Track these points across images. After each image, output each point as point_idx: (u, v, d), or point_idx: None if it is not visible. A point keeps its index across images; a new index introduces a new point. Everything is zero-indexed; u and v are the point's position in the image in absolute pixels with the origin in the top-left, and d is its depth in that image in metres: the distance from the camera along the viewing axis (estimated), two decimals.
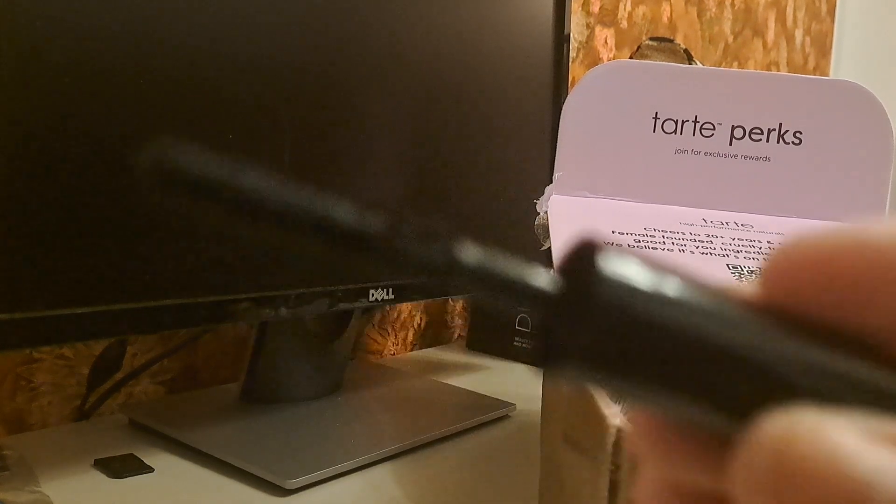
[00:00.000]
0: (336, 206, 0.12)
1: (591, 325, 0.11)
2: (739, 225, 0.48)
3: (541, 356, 0.12)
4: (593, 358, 0.11)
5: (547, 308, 0.12)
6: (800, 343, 0.11)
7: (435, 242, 0.12)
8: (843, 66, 2.11)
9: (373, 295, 0.55)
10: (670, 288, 0.12)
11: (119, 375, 0.59)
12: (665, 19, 1.29)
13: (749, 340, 0.11)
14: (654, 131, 0.49)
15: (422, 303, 0.87)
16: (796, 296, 0.12)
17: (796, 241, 0.12)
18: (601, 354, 0.11)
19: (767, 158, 0.48)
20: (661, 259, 0.12)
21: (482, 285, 0.12)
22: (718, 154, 0.49)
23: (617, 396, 0.12)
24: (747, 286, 0.12)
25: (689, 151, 0.49)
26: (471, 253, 0.12)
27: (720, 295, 0.12)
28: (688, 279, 0.12)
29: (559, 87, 0.72)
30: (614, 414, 0.23)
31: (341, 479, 0.47)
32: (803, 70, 1.93)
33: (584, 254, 0.12)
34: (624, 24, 1.18)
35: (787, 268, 0.12)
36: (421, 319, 0.87)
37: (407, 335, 0.85)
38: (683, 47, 0.87)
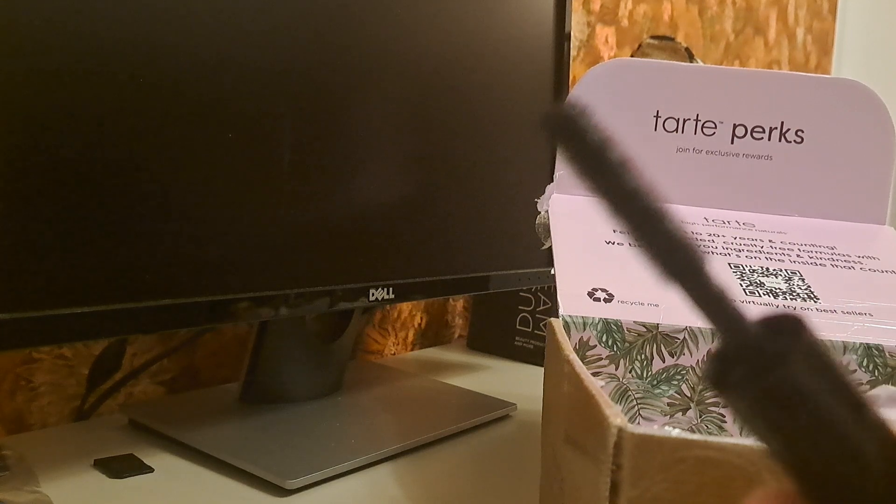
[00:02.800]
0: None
1: (769, 383, 0.13)
2: (741, 224, 0.47)
3: (716, 377, 0.14)
4: (759, 404, 0.14)
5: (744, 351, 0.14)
6: None
7: None
8: (845, 64, 2.11)
9: (373, 294, 0.55)
10: (838, 388, 0.14)
11: (119, 375, 0.59)
12: (666, 18, 1.28)
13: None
14: (655, 130, 0.48)
15: (422, 302, 0.87)
16: None
17: None
18: (766, 405, 0.14)
19: (769, 157, 0.48)
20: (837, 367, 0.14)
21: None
22: (720, 153, 0.48)
23: (766, 446, 0.15)
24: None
25: (691, 150, 0.48)
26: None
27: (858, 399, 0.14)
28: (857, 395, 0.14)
29: (560, 86, 0.72)
30: (615, 414, 0.23)
31: (341, 479, 0.47)
32: (805, 68, 1.93)
33: (793, 328, 0.14)
34: (625, 22, 1.17)
35: None
36: (421, 319, 0.87)
37: (407, 335, 0.85)
38: (684, 46, 0.87)
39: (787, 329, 0.14)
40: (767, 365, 0.13)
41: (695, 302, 0.14)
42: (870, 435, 0.14)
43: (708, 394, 0.40)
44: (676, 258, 0.14)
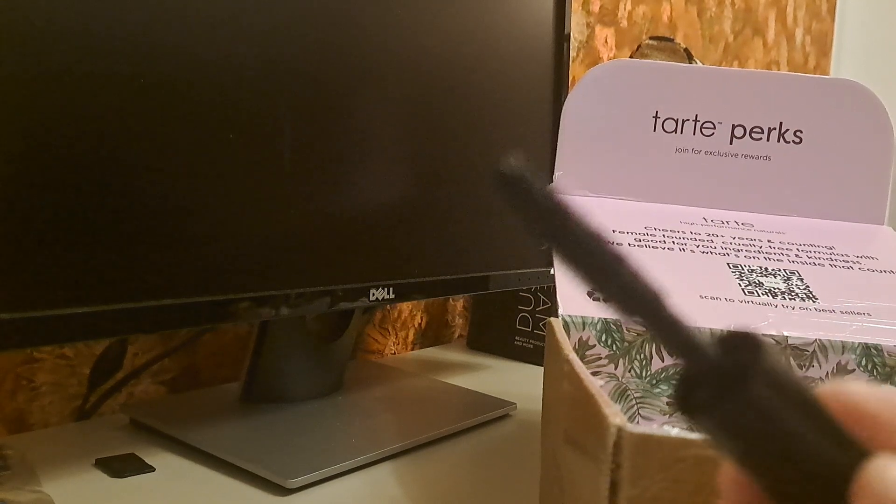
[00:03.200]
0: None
1: (735, 403, 0.14)
2: (740, 224, 0.48)
3: (680, 397, 0.15)
4: (725, 425, 0.14)
5: (702, 368, 0.15)
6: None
7: None
8: (844, 65, 2.11)
9: (373, 294, 0.55)
10: (800, 402, 0.15)
11: (120, 375, 0.59)
12: (665, 18, 1.29)
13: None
14: (654, 130, 0.49)
15: (422, 302, 0.87)
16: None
17: (844, 391, 0.16)
18: (732, 426, 0.14)
19: (768, 157, 0.48)
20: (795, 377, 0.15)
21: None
22: (719, 153, 0.49)
23: (737, 464, 0.15)
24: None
25: (690, 150, 0.49)
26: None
27: (818, 407, 0.15)
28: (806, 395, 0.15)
29: (559, 87, 0.72)
30: (615, 413, 0.23)
31: (342, 478, 0.47)
32: (804, 69, 1.93)
33: (751, 347, 0.14)
34: (624, 23, 1.18)
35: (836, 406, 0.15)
36: (422, 319, 0.87)
37: (407, 334, 0.86)
38: (683, 46, 0.87)
39: (744, 348, 0.14)
40: (729, 385, 0.14)
41: (655, 332, 0.15)
42: (838, 447, 0.14)
43: None
44: (632, 296, 0.14)
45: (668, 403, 0.40)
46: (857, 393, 0.15)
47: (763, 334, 0.37)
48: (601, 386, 0.26)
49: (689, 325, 0.14)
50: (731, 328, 0.15)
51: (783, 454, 0.14)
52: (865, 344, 0.39)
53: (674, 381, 0.39)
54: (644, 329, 0.14)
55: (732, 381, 0.14)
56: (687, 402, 0.15)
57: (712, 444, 0.15)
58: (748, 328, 0.15)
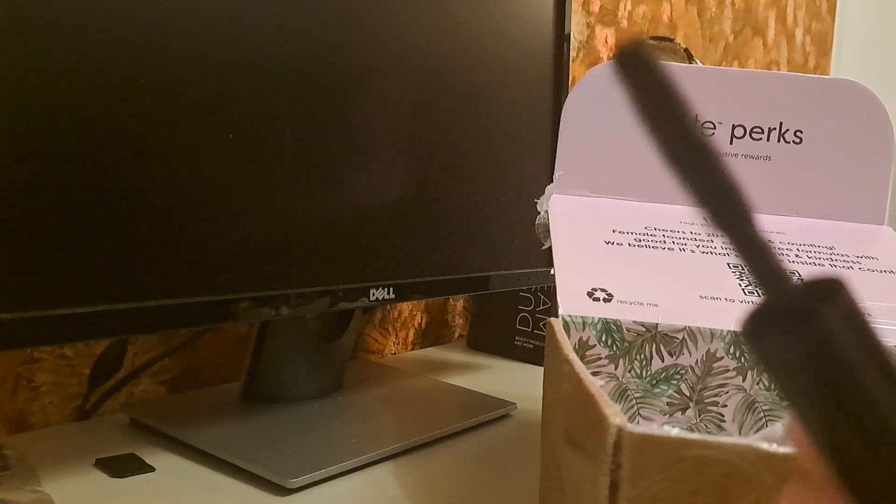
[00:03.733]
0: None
1: (804, 340, 0.13)
2: None
3: (751, 333, 0.14)
4: (787, 357, 0.13)
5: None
6: None
7: None
8: (844, 64, 2.11)
9: (373, 294, 0.55)
10: (874, 350, 0.13)
11: (120, 375, 0.59)
12: (665, 18, 1.29)
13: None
14: None
15: (422, 302, 0.87)
16: None
17: None
18: (796, 357, 0.13)
19: (768, 157, 0.48)
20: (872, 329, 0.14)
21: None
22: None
23: (797, 415, 0.14)
24: None
25: None
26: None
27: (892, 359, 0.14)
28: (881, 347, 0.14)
29: (559, 87, 0.72)
30: (615, 413, 0.23)
31: (342, 478, 0.47)
32: (804, 69, 1.93)
33: (834, 289, 0.13)
34: (624, 23, 1.18)
35: None
36: (422, 319, 0.87)
37: (408, 334, 0.86)
38: (683, 46, 0.87)
39: (827, 290, 0.13)
40: (803, 322, 0.13)
41: (740, 253, 0.14)
42: None
43: (707, 393, 0.40)
44: (726, 206, 0.13)
45: (668, 404, 0.40)
46: None
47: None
48: (601, 386, 0.26)
49: (775, 251, 0.14)
50: (818, 274, 0.14)
51: (848, 403, 0.13)
52: None
53: (677, 378, 0.39)
54: (729, 243, 0.14)
55: (808, 319, 0.13)
56: (758, 336, 0.14)
57: (774, 384, 0.14)
58: (837, 275, 0.14)
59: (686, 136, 0.13)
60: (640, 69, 0.13)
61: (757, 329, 0.14)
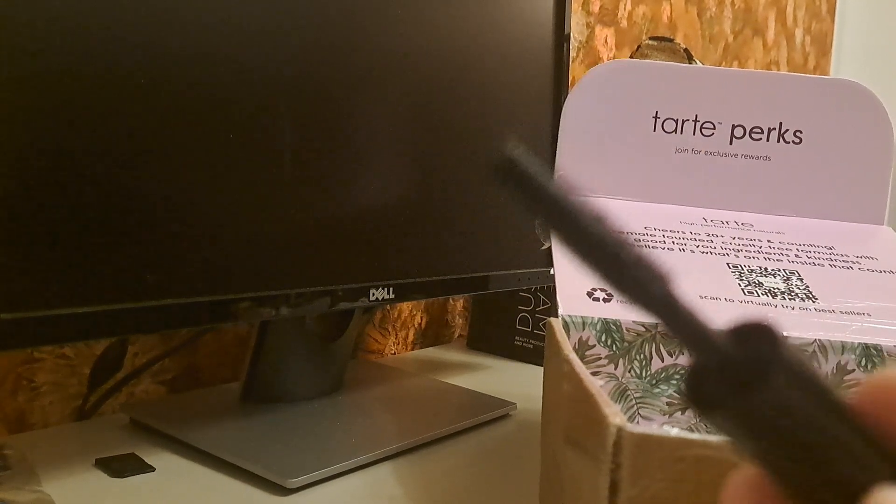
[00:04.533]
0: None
1: (752, 399, 0.13)
2: (739, 224, 0.48)
3: (693, 392, 0.14)
4: (743, 421, 0.14)
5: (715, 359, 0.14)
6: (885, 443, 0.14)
7: None
8: (844, 65, 2.11)
9: (373, 294, 0.55)
10: (814, 399, 0.14)
11: (120, 375, 0.59)
12: (665, 19, 1.29)
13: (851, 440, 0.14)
14: (654, 130, 0.49)
15: (422, 302, 0.87)
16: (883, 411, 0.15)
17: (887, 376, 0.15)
18: (751, 422, 0.14)
19: (768, 157, 0.48)
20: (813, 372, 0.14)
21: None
22: (719, 153, 0.49)
23: (745, 455, 0.15)
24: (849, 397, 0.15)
25: (690, 151, 0.49)
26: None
27: (839, 404, 0.14)
28: (820, 386, 0.14)
29: (559, 87, 0.72)
30: (615, 413, 0.23)
31: (342, 478, 0.47)
32: (803, 69, 1.93)
33: (767, 339, 0.14)
34: (624, 23, 1.18)
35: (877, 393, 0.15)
36: (421, 319, 0.87)
37: (407, 334, 0.86)
38: (683, 47, 0.87)
39: (759, 339, 0.14)
40: (746, 379, 0.13)
41: (664, 323, 0.14)
42: (860, 454, 0.14)
43: None
44: (639, 285, 0.14)
45: (668, 404, 0.40)
46: None
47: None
48: (601, 386, 0.26)
49: (700, 315, 0.14)
50: (742, 319, 0.14)
51: (804, 454, 0.14)
52: (865, 344, 0.39)
53: (677, 378, 0.39)
54: (653, 319, 0.14)
55: (750, 375, 0.13)
56: (699, 397, 0.14)
57: (728, 441, 0.14)
58: (761, 318, 0.14)
59: (585, 230, 0.13)
60: (522, 180, 0.13)
61: (696, 390, 0.14)
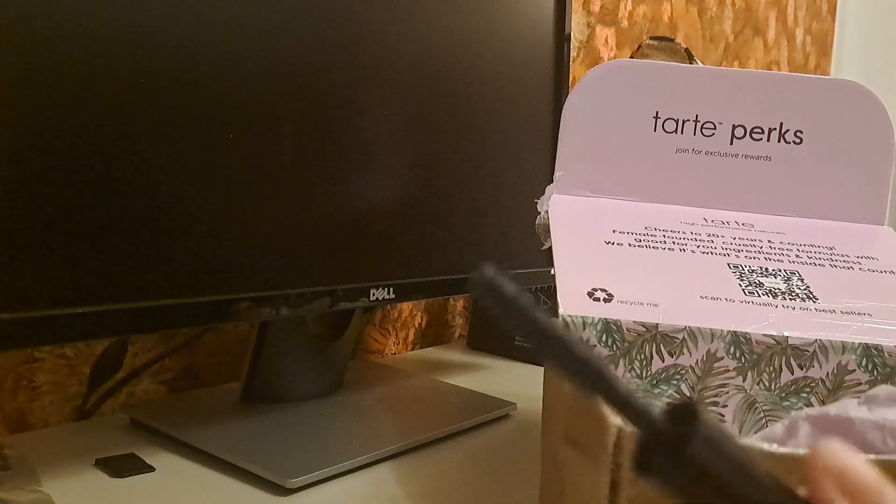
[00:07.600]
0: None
1: (679, 464, 0.17)
2: (740, 224, 0.48)
3: (637, 464, 0.17)
4: (672, 480, 0.17)
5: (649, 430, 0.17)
6: None
7: None
8: (844, 65, 2.11)
9: (374, 294, 0.55)
10: (738, 466, 0.17)
11: (120, 375, 0.59)
12: (666, 18, 1.29)
13: None
14: (654, 130, 0.49)
15: (422, 302, 0.87)
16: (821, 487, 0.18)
17: (832, 452, 0.18)
18: (679, 482, 0.17)
19: (768, 158, 0.48)
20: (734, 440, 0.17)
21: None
22: (719, 153, 0.49)
23: None
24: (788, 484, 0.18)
25: (690, 151, 0.49)
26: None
27: (770, 479, 0.18)
28: (744, 455, 0.17)
29: (559, 87, 0.72)
30: (615, 414, 0.23)
31: (342, 478, 0.47)
32: (804, 69, 1.93)
33: (691, 416, 0.17)
34: (625, 23, 1.18)
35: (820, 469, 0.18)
36: (422, 319, 0.87)
37: (408, 334, 0.86)
38: (684, 46, 0.87)
39: (686, 417, 0.17)
40: (674, 450, 0.16)
41: (610, 403, 0.17)
42: (770, 497, 0.17)
43: (707, 393, 0.40)
44: (589, 373, 0.17)
45: (668, 404, 0.40)
46: (846, 463, 0.18)
47: (763, 334, 0.37)
48: None
49: (640, 397, 0.17)
50: (676, 399, 0.17)
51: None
52: (866, 344, 0.39)
53: (677, 379, 0.39)
54: (600, 399, 0.17)
55: (676, 447, 0.16)
56: (641, 465, 0.17)
57: (667, 499, 0.17)
58: (690, 400, 0.18)
59: (544, 333, 0.16)
60: (494, 294, 0.17)
61: (640, 459, 0.17)
